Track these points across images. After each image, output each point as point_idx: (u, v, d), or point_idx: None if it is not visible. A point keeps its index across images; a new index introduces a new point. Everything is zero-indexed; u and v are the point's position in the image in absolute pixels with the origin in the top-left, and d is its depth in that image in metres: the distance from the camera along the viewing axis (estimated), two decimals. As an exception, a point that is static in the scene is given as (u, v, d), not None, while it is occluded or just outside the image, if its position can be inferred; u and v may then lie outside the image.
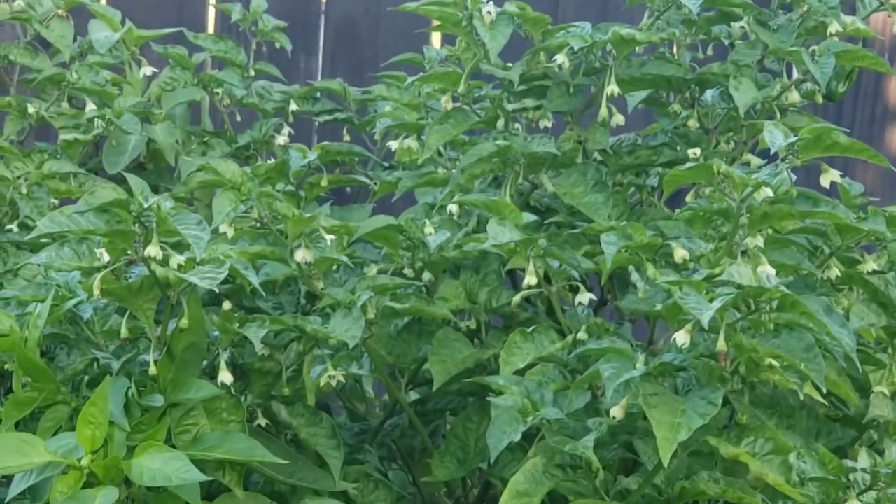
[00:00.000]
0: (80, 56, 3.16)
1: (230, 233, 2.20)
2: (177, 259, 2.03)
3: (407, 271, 2.44)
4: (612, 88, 2.48)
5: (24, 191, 2.82)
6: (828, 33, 2.47)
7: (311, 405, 2.29)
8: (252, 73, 3.26)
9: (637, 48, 2.51)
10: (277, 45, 3.37)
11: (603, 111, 2.51)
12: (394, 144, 2.78)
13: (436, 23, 2.54)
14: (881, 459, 2.04)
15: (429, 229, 2.40)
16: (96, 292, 2.03)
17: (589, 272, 2.31)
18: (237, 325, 2.16)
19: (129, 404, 2.07)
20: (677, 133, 2.57)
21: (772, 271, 2.08)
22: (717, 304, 1.88)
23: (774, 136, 2.15)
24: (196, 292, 2.09)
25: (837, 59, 2.43)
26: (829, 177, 2.22)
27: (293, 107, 3.22)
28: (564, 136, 2.56)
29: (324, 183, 2.83)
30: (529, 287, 2.25)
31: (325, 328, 2.19)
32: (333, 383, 2.25)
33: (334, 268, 2.39)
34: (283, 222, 2.22)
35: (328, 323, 2.20)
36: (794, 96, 2.51)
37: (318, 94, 3.31)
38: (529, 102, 2.55)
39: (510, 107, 2.55)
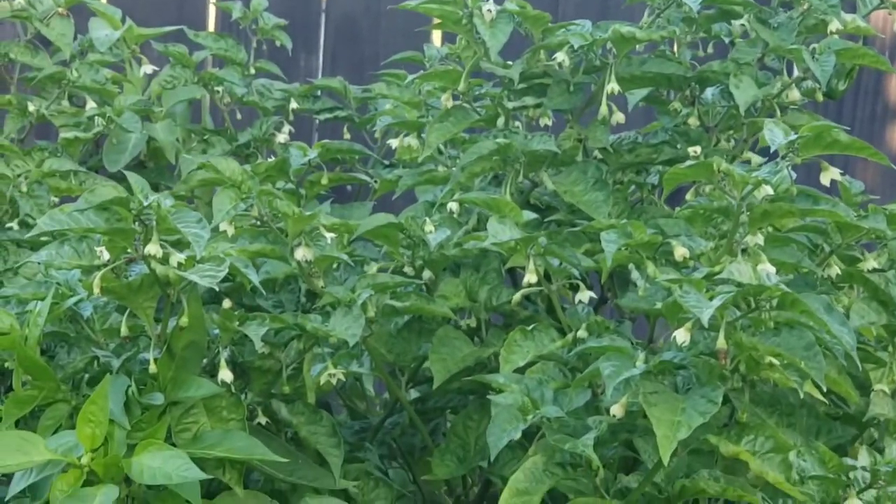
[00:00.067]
0: (81, 54, 3.16)
1: (230, 231, 2.20)
2: (177, 257, 2.03)
3: (407, 269, 2.44)
4: (613, 86, 2.48)
5: (25, 189, 2.82)
6: (828, 31, 2.47)
7: (311, 403, 2.29)
8: (252, 71, 3.26)
9: (637, 46, 2.51)
10: (278, 44, 3.37)
11: (603, 109, 2.50)
12: (394, 142, 2.78)
13: (436, 21, 2.54)
14: (881, 458, 2.04)
15: (429, 227, 2.40)
16: (96, 290, 2.03)
17: (589, 270, 2.31)
18: (237, 323, 2.16)
19: (129, 402, 2.07)
20: (677, 131, 2.57)
21: (772, 269, 2.08)
22: (717, 303, 1.87)
23: (774, 134, 2.15)
24: (196, 290, 2.09)
25: (838, 57, 2.43)
26: (830, 175, 2.22)
27: (293, 105, 3.22)
28: (564, 134, 2.56)
29: (324, 181, 2.83)
30: (529, 285, 2.25)
31: (325, 326, 2.19)
32: (334, 381, 2.25)
33: (334, 266, 2.39)
34: (284, 220, 2.22)
35: (328, 321, 2.20)
36: (795, 94, 2.51)
37: (319, 93, 3.30)
38: (529, 100, 2.55)
39: (510, 105, 2.55)
